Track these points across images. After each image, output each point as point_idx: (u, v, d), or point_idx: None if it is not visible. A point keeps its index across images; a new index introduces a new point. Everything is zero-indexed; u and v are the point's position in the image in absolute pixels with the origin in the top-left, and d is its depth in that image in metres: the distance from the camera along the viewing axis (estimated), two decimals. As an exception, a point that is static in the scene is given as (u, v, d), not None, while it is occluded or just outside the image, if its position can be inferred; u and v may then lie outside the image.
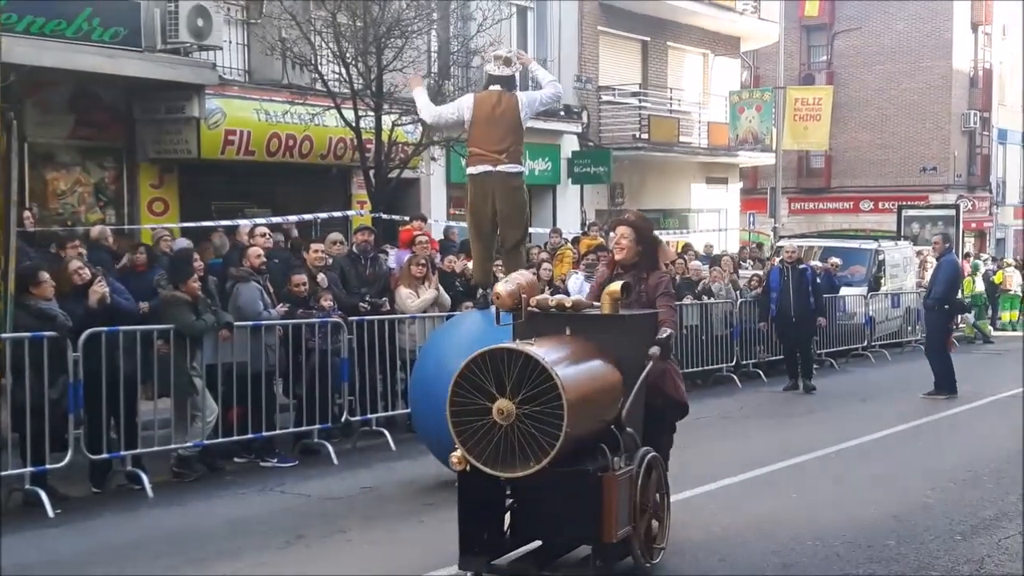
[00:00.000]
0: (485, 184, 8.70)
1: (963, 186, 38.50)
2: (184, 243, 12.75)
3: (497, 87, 8.86)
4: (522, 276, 6.87)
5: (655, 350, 6.48)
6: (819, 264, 18.62)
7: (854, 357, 19.31)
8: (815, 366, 16.16)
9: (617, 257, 7.14)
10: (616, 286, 6.60)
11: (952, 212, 28.09)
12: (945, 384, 14.42)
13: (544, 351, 5.93)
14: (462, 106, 8.97)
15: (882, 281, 21.60)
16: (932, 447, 11.20)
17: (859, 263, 21.63)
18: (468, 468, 6.00)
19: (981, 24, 40.14)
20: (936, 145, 38.05)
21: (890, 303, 21.21)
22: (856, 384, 16.35)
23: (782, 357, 16.06)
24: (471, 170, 8.83)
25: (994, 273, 27.12)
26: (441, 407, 8.64)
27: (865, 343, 19.74)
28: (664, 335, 6.60)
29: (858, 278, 21.09)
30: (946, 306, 14.72)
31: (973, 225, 37.80)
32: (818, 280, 16.00)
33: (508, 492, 6.36)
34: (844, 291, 19.53)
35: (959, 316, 19.05)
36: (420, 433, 9.28)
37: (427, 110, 9.27)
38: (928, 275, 17.70)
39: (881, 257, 21.99)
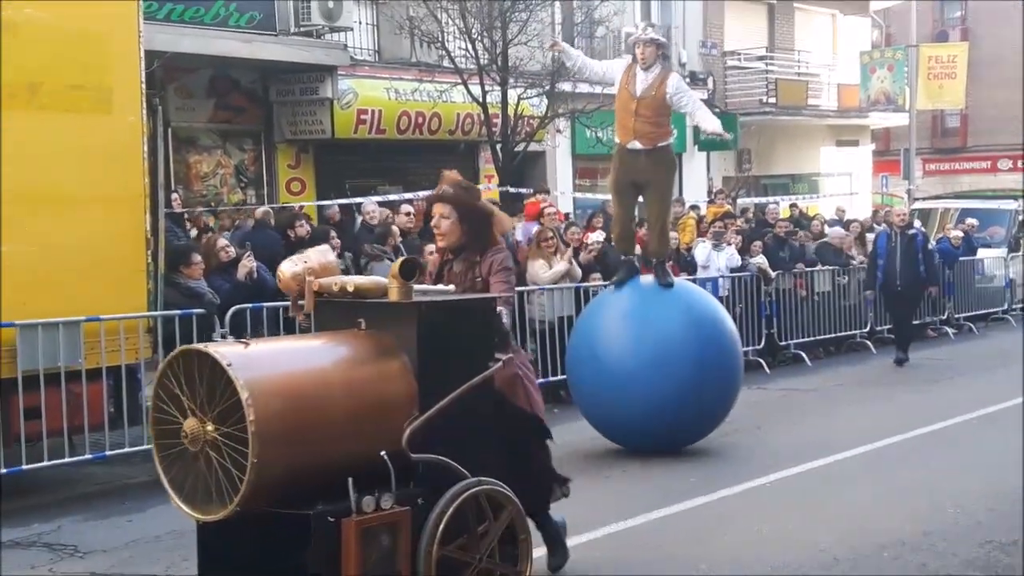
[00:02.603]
0: None
1: (1108, 142, 36.93)
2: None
3: None
4: (316, 253, 5.30)
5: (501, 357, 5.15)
6: (956, 233, 17.96)
7: (994, 321, 18.82)
8: (951, 329, 15.74)
9: (440, 244, 5.81)
10: (397, 264, 4.97)
11: (1097, 169, 27.05)
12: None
13: (252, 352, 4.47)
14: None
15: (1022, 242, 20.94)
16: (1077, 413, 10.89)
17: (998, 224, 20.94)
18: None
19: (1126, -29, 38.33)
20: (1079, 101, 36.51)
21: (1032, 265, 20.55)
22: (996, 349, 15.92)
23: (918, 323, 15.68)
24: None
25: None
26: (587, 379, 8.88)
27: (1005, 306, 19.21)
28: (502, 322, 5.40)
29: (997, 239, 20.45)
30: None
31: (1120, 181, 36.26)
32: (929, 246, 15.38)
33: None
34: (982, 253, 18.98)
35: None
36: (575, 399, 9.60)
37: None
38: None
39: (1021, 217, 21.29)
